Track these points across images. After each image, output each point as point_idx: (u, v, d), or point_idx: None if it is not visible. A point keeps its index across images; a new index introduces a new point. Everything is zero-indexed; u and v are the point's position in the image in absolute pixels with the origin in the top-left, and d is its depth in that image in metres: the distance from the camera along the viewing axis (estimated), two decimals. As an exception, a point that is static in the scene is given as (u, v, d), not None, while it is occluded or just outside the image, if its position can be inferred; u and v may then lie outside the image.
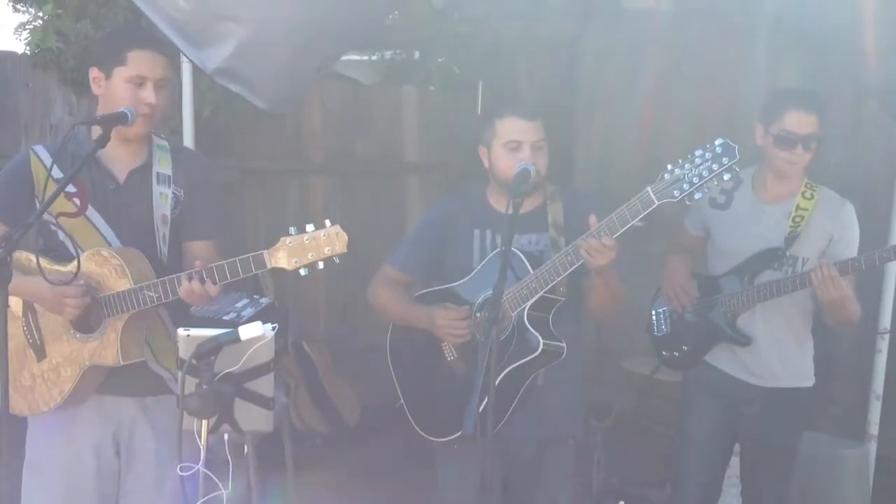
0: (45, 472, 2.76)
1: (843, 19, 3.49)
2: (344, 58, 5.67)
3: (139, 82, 2.64)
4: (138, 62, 2.65)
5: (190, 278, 2.52)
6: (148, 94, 2.64)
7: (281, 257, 2.48)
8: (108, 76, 2.67)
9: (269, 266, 2.50)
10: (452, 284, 2.99)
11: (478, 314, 2.86)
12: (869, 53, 3.48)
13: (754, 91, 4.81)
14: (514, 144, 2.88)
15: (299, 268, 2.48)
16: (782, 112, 3.13)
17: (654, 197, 2.54)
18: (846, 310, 3.07)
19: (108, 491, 2.81)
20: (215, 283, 2.53)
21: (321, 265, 2.48)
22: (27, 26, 4.85)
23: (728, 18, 4.88)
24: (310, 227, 2.47)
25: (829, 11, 3.57)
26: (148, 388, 2.75)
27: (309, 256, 2.46)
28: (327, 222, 2.47)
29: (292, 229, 2.48)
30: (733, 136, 2.52)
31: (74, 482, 2.76)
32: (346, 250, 2.46)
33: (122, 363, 2.63)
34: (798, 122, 3.10)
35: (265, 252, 2.50)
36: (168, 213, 2.77)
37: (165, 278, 2.57)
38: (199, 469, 2.35)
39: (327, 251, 2.45)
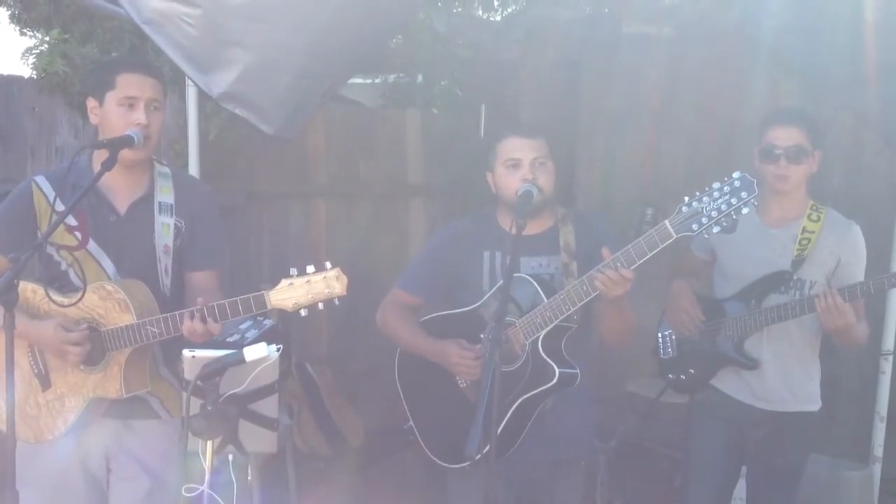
0: (34, 487, 2.75)
1: (838, 45, 3.53)
2: (348, 81, 5.71)
3: (130, 104, 2.67)
4: (127, 84, 2.68)
5: (192, 317, 2.54)
6: (139, 115, 2.67)
7: (281, 298, 2.52)
8: (101, 103, 2.71)
9: (269, 307, 2.55)
10: (463, 309, 2.99)
11: (482, 335, 2.86)
12: (867, 79, 3.51)
13: (752, 115, 4.85)
14: (513, 162, 2.91)
15: (299, 309, 2.51)
16: (766, 129, 3.20)
17: (672, 230, 2.56)
18: (850, 335, 3.08)
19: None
20: (217, 322, 2.56)
21: (321, 306, 2.52)
22: (34, 51, 4.89)
23: (726, 43, 4.91)
24: (310, 269, 2.51)
25: (825, 37, 3.62)
26: (134, 411, 2.77)
27: (309, 298, 2.51)
28: (328, 264, 2.51)
29: (293, 270, 2.52)
30: (731, 160, 2.54)
31: (63, 494, 2.76)
32: (345, 293, 2.51)
33: (124, 396, 2.65)
34: (779, 135, 3.16)
35: (265, 293, 2.54)
36: (170, 243, 2.78)
37: (168, 315, 2.59)
38: (203, 490, 2.35)
39: (327, 293, 2.50)
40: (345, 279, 2.50)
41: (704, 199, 2.54)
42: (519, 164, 2.90)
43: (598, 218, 3.16)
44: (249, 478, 2.76)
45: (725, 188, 2.52)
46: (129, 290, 2.63)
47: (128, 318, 2.60)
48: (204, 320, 2.54)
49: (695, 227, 2.54)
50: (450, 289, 3.09)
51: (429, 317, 3.12)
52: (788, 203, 3.25)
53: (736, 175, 2.53)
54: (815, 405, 3.33)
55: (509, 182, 2.90)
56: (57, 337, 2.58)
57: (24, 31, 7.11)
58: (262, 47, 3.32)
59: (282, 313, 2.59)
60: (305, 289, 2.49)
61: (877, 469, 4.21)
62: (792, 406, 3.28)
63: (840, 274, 3.17)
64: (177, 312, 2.58)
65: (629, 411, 5.16)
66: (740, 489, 3.53)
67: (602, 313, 2.85)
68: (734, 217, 2.52)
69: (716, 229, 2.53)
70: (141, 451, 2.79)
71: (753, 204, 2.52)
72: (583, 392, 2.91)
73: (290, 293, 2.50)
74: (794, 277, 3.20)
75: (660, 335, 3.55)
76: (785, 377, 3.27)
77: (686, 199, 2.56)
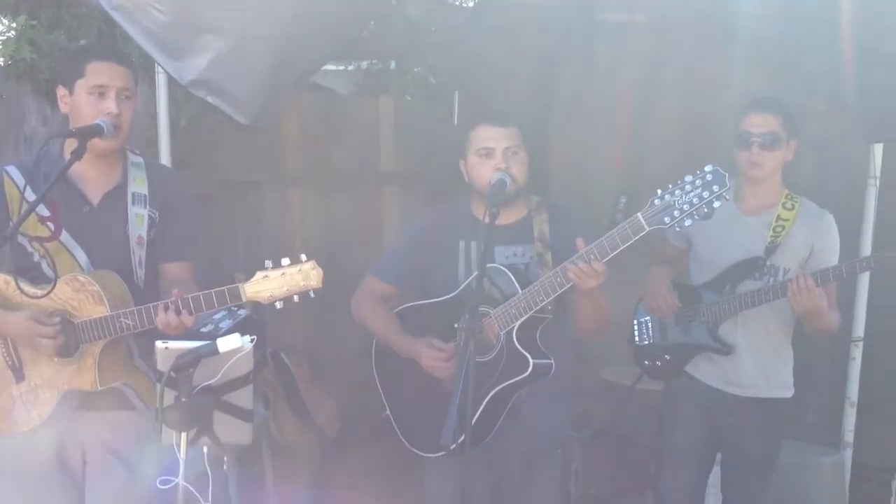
0: (9, 479, 2.73)
1: (810, 34, 3.55)
2: (321, 68, 5.66)
3: (100, 92, 2.64)
4: (97, 72, 2.65)
5: (166, 309, 2.53)
6: (110, 103, 2.64)
7: (256, 291, 2.52)
8: (71, 91, 2.68)
9: (244, 299, 2.54)
10: (437, 300, 2.99)
11: (456, 325, 2.86)
12: (842, 68, 3.54)
13: (723, 104, 4.87)
14: (485, 151, 2.90)
15: (274, 301, 2.50)
16: (742, 116, 3.24)
17: (644, 223, 2.58)
18: (822, 320, 3.11)
19: (73, 497, 2.79)
20: (191, 314, 2.54)
21: (296, 298, 2.52)
22: (0, 37, 4.81)
23: (699, 31, 4.92)
24: (285, 261, 2.51)
25: (797, 26, 3.63)
26: (110, 403, 2.74)
27: (284, 290, 2.51)
28: (303, 257, 2.51)
29: (268, 263, 2.51)
30: (709, 148, 2.56)
31: (38, 486, 2.74)
32: (321, 285, 2.51)
33: (99, 388, 2.63)
34: (754, 122, 3.20)
35: (240, 285, 2.53)
36: (144, 234, 2.76)
37: (142, 307, 2.58)
38: (178, 482, 2.33)
39: (302, 285, 2.50)
40: (320, 271, 2.49)
41: (677, 192, 2.56)
42: (492, 153, 2.89)
43: (572, 207, 3.17)
44: (225, 468, 2.75)
45: (697, 181, 2.55)
46: (102, 282, 2.61)
47: (101, 310, 2.58)
48: (178, 312, 2.52)
49: (667, 220, 2.56)
50: (424, 278, 3.08)
51: (404, 306, 3.11)
52: (763, 191, 3.28)
53: (708, 168, 2.55)
54: (788, 391, 3.37)
55: (482, 171, 2.90)
56: (29, 329, 2.56)
57: (-10, 17, 6.99)
58: (233, 34, 3.29)
59: (257, 303, 2.58)
60: (280, 281, 2.49)
61: (848, 454, 4.27)
62: (765, 392, 3.31)
63: (813, 262, 3.21)
64: (151, 305, 2.56)
65: (604, 399, 5.19)
66: (714, 476, 3.56)
67: (576, 304, 2.86)
68: (706, 210, 2.54)
69: (688, 222, 2.56)
70: (117, 442, 2.77)
71: (725, 198, 2.55)
72: (559, 382, 2.92)
73: (266, 285, 2.50)
74: (768, 264, 3.24)
75: (635, 322, 3.58)
76: (759, 363, 3.30)
77: (658, 192, 2.59)
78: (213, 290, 2.56)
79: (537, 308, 2.75)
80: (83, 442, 2.77)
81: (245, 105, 3.48)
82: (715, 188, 2.52)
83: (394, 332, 3.04)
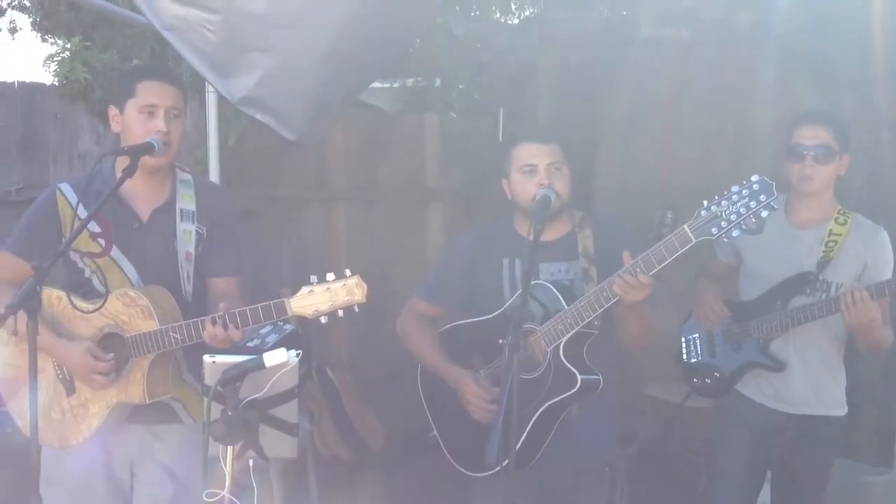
0: (57, 488, 2.77)
1: (853, 46, 3.51)
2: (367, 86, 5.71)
3: (150, 111, 2.69)
4: (147, 91, 2.70)
5: (213, 323, 2.56)
6: (159, 122, 2.68)
7: (301, 305, 2.54)
8: (122, 111, 2.73)
9: (289, 314, 2.56)
10: (483, 318, 2.98)
11: (501, 341, 2.85)
12: (879, 80, 3.50)
13: (765, 118, 4.82)
14: (529, 168, 2.90)
15: (319, 316, 2.53)
16: (794, 129, 3.20)
17: (691, 234, 2.55)
18: (875, 334, 3.05)
19: None
20: (238, 329, 2.57)
21: (341, 313, 2.54)
22: (55, 58, 4.94)
23: (741, 45, 4.90)
24: (330, 276, 2.53)
25: (840, 38, 3.59)
26: (158, 416, 2.78)
27: (329, 305, 2.52)
28: (347, 272, 2.53)
29: (313, 278, 2.53)
30: (758, 162, 2.53)
31: (86, 497, 2.78)
32: (365, 300, 2.52)
33: (147, 402, 2.66)
34: (805, 134, 3.15)
35: (286, 300, 2.55)
36: (192, 250, 2.80)
37: (190, 321, 2.61)
38: (224, 495, 2.35)
39: (347, 300, 2.52)
40: (364, 286, 2.51)
41: (723, 202, 2.52)
42: (535, 170, 2.89)
43: (616, 221, 3.16)
44: (271, 482, 2.77)
45: (744, 191, 2.51)
46: (152, 297, 2.65)
47: (151, 325, 2.62)
48: (225, 327, 2.55)
49: (714, 230, 2.53)
50: (469, 296, 3.08)
51: (449, 326, 3.11)
52: (816, 205, 3.24)
53: (755, 178, 2.52)
54: (840, 410, 3.30)
55: (526, 188, 2.90)
56: (84, 363, 2.62)
57: (46, 38, 7.19)
58: (281, 52, 3.33)
59: (302, 318, 2.60)
60: (325, 296, 2.51)
61: (900, 474, 4.17)
62: (817, 409, 3.25)
63: (867, 278, 3.15)
64: (199, 319, 2.60)
65: (649, 416, 5.14)
66: (765, 494, 3.50)
67: (622, 318, 2.83)
68: (754, 220, 2.50)
69: (735, 233, 2.52)
70: (165, 456, 2.80)
71: (773, 207, 2.50)
72: (606, 398, 2.89)
73: (310, 300, 2.52)
74: (820, 279, 3.18)
75: (683, 339, 3.53)
76: (810, 380, 3.25)
77: (705, 202, 2.55)
78: (259, 305, 2.59)
79: (584, 323, 2.73)
80: (131, 455, 2.81)
81: (292, 121, 3.52)
82: (762, 198, 2.48)
83: (439, 360, 3.03)
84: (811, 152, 3.13)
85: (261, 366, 2.30)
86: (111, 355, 2.63)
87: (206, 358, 2.36)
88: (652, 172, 5.58)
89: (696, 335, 3.49)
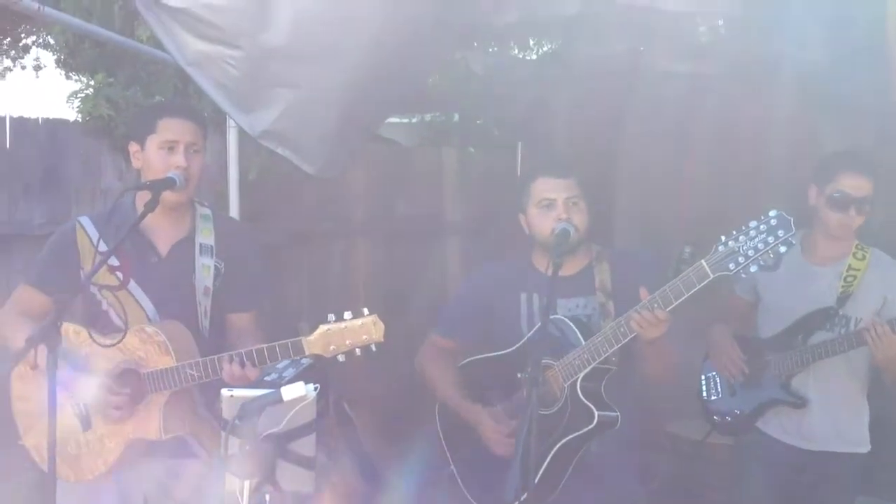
0: None
1: (875, 79, 3.50)
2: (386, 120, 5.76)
3: (170, 147, 2.73)
4: (167, 128, 2.74)
5: (231, 361, 2.57)
6: (178, 157, 2.72)
7: (318, 344, 2.55)
8: (142, 147, 2.77)
9: (306, 353, 2.57)
10: (502, 352, 2.98)
11: (520, 375, 2.84)
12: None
13: (785, 151, 4.81)
14: (546, 202, 2.91)
15: (336, 354, 2.53)
16: (837, 174, 3.12)
17: (709, 270, 2.53)
18: None
19: None
20: (255, 366, 2.57)
21: (358, 352, 2.54)
22: (79, 94, 5.01)
23: (758, 78, 4.90)
24: (348, 315, 2.53)
25: (862, 72, 3.58)
26: (173, 451, 2.77)
27: (346, 343, 2.54)
28: (365, 310, 2.54)
29: (331, 316, 2.54)
30: (760, 193, 2.51)
31: None
32: (382, 339, 2.52)
33: (164, 437, 2.67)
34: (852, 184, 3.10)
35: (303, 339, 2.57)
36: (210, 284, 2.81)
37: (207, 359, 2.62)
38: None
39: (364, 339, 2.53)
40: (382, 326, 2.51)
41: (741, 237, 2.51)
42: (553, 205, 2.90)
43: (633, 253, 3.15)
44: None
45: (762, 226, 2.49)
46: (169, 333, 2.66)
47: (168, 361, 2.63)
48: (242, 365, 2.56)
49: (732, 266, 2.51)
50: (487, 331, 3.08)
51: (468, 360, 3.11)
52: (836, 243, 3.21)
53: (772, 213, 2.50)
54: (864, 447, 3.26)
55: (544, 222, 2.90)
56: (100, 397, 2.64)
57: (70, 75, 7.30)
58: (301, 87, 3.37)
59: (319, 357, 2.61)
60: (343, 335, 2.51)
61: (925, 512, 4.10)
62: (839, 447, 3.22)
63: (886, 313, 3.12)
64: (216, 357, 2.60)
65: (670, 452, 5.08)
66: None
67: (642, 353, 2.82)
68: (772, 256, 2.48)
69: (753, 268, 2.50)
70: (179, 490, 2.80)
71: (791, 242, 2.49)
72: (626, 434, 2.87)
73: (328, 339, 2.52)
74: (840, 314, 3.16)
75: (703, 377, 3.51)
76: (832, 416, 3.22)
77: (722, 237, 2.54)
78: (276, 344, 2.60)
79: (601, 359, 2.72)
80: (145, 489, 2.81)
81: (312, 155, 3.56)
82: (780, 233, 2.47)
83: (457, 398, 3.04)
84: (855, 204, 3.10)
85: (278, 399, 2.29)
86: (127, 390, 2.63)
87: (224, 392, 2.36)
88: (670, 206, 5.57)
89: (716, 372, 3.47)
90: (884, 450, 3.73)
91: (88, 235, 2.78)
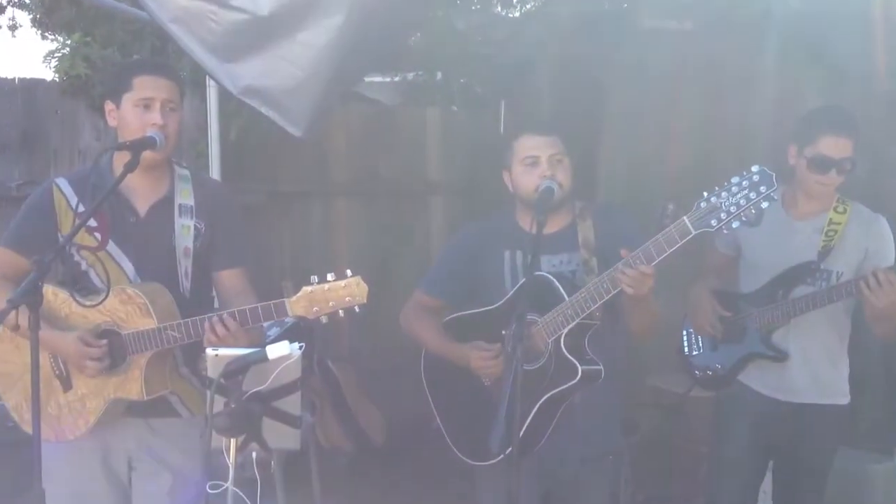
0: (55, 483, 2.76)
1: (857, 38, 3.49)
2: (367, 79, 5.72)
3: (146, 104, 2.68)
4: (143, 85, 2.69)
5: (214, 322, 2.56)
6: (155, 115, 2.67)
7: (301, 305, 2.53)
8: (118, 105, 2.72)
9: (290, 314, 2.55)
10: (484, 309, 2.99)
11: (504, 332, 2.85)
12: (884, 72, 3.48)
13: (771, 108, 4.81)
14: (530, 160, 2.90)
15: (320, 316, 2.53)
16: (817, 135, 3.09)
17: (691, 226, 2.52)
18: None
19: (121, 502, 2.83)
20: (236, 321, 2.56)
21: (342, 313, 2.53)
22: (56, 54, 4.94)
23: (748, 35, 4.88)
24: (330, 277, 2.52)
25: (849, 28, 3.57)
26: (155, 410, 2.76)
27: (329, 305, 2.52)
28: (348, 272, 2.52)
29: (314, 278, 2.52)
30: (746, 150, 2.51)
31: (85, 491, 2.79)
32: (366, 300, 2.51)
33: (145, 398, 2.65)
34: (833, 146, 3.07)
35: (286, 301, 2.54)
36: (190, 245, 2.78)
37: (189, 320, 2.60)
38: (228, 487, 2.36)
39: (347, 300, 2.51)
40: (365, 287, 2.50)
41: (723, 194, 2.50)
42: (537, 162, 2.89)
43: (616, 210, 3.15)
44: (273, 473, 2.78)
45: (744, 182, 2.48)
46: (150, 295, 2.64)
47: (149, 322, 2.61)
48: (226, 327, 2.55)
49: (713, 222, 2.50)
50: (471, 290, 3.08)
51: (452, 317, 3.12)
52: (818, 199, 3.22)
53: (755, 169, 2.49)
54: (843, 398, 3.30)
55: (528, 180, 2.90)
56: (77, 350, 2.60)
57: (46, 34, 7.18)
58: (284, 44, 3.33)
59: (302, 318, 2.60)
60: (326, 296, 2.50)
61: (902, 462, 4.18)
62: (819, 398, 3.25)
63: (868, 264, 3.13)
64: (198, 318, 2.59)
65: (652, 406, 5.15)
66: (766, 483, 3.51)
67: (627, 308, 2.83)
68: (754, 211, 2.49)
69: (735, 224, 2.50)
70: (162, 449, 2.80)
71: (773, 198, 2.48)
72: (609, 388, 2.89)
73: (311, 300, 2.51)
74: (821, 268, 3.18)
75: (685, 332, 3.53)
76: (811, 369, 3.24)
77: (705, 194, 2.53)
78: (259, 305, 2.58)
79: (585, 315, 2.74)
80: (128, 448, 2.81)
81: (297, 116, 3.52)
82: (762, 189, 2.46)
83: (443, 341, 3.05)
84: (836, 166, 3.09)
85: (264, 358, 2.30)
86: (104, 341, 2.61)
87: (209, 351, 2.36)
88: (655, 162, 5.57)
89: (696, 328, 3.49)
90: (862, 402, 3.79)
91: (65, 196, 2.74)
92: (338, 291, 2.50)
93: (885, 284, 2.90)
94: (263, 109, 3.49)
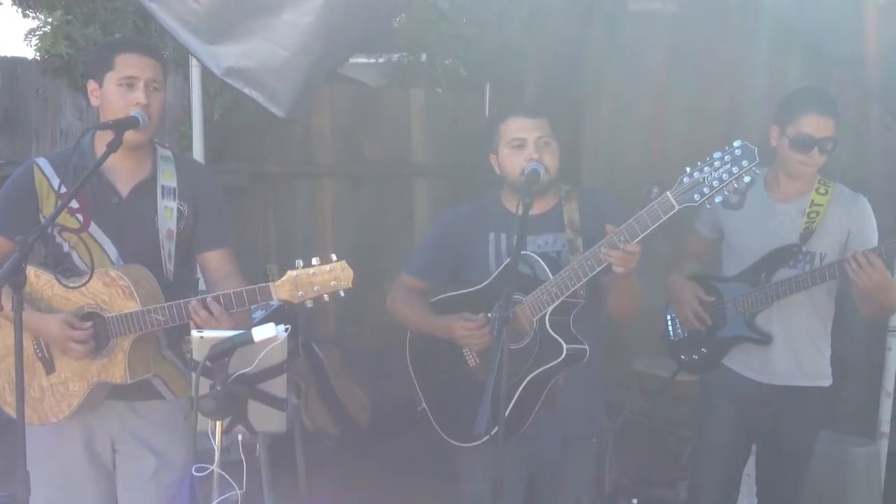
0: (39, 466, 2.75)
1: (841, 23, 3.50)
2: (351, 61, 5.69)
3: (129, 83, 2.64)
4: (126, 64, 2.65)
5: (198, 305, 2.54)
6: (139, 94, 2.63)
7: (286, 289, 2.52)
8: (101, 84, 2.68)
9: (274, 298, 2.53)
10: (469, 289, 2.99)
11: (489, 314, 2.86)
12: (868, 57, 3.48)
13: (756, 91, 4.82)
14: (517, 142, 2.89)
15: (305, 300, 2.52)
16: (799, 115, 3.10)
17: (674, 201, 2.53)
18: (889, 297, 3.03)
19: (105, 485, 2.82)
20: (219, 305, 2.55)
21: (326, 298, 2.52)
22: (37, 32, 4.88)
23: (730, 19, 4.89)
24: (315, 261, 2.50)
25: (829, 13, 3.57)
26: (138, 393, 2.74)
27: (315, 290, 2.51)
28: (333, 256, 2.51)
29: (299, 262, 2.51)
30: (735, 135, 2.52)
31: (70, 475, 2.77)
32: (351, 285, 2.50)
33: (129, 381, 2.63)
34: (815, 125, 3.08)
35: (271, 285, 2.53)
36: (174, 227, 2.76)
37: (173, 303, 2.58)
38: (213, 469, 2.36)
39: (333, 285, 2.50)
40: (350, 272, 2.49)
41: (706, 168, 2.51)
42: (524, 144, 2.88)
43: (601, 191, 3.15)
44: (258, 455, 2.77)
45: (726, 157, 2.49)
46: (133, 277, 2.61)
47: (132, 305, 2.59)
48: (209, 310, 2.54)
49: (696, 196, 2.51)
50: (456, 271, 3.08)
51: (437, 298, 3.11)
52: (799, 180, 3.23)
53: (737, 143, 2.50)
54: (825, 381, 3.32)
55: (514, 162, 2.89)
56: (61, 333, 2.57)
57: (27, 12, 7.07)
58: (268, 25, 3.31)
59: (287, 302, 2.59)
60: (311, 281, 2.49)
61: (884, 445, 4.20)
62: (801, 381, 3.27)
63: (851, 245, 3.14)
64: (182, 301, 2.57)
65: (636, 390, 5.18)
66: (750, 466, 3.54)
67: (610, 287, 2.84)
68: (736, 185, 2.49)
69: (718, 199, 2.51)
70: (146, 431, 2.79)
71: (755, 172, 2.49)
72: (593, 369, 2.90)
73: (296, 285, 2.50)
74: (804, 250, 3.19)
75: (668, 317, 3.54)
76: (794, 352, 3.26)
77: (687, 169, 2.53)
78: (244, 289, 2.57)
79: (569, 293, 2.74)
80: (112, 431, 2.80)
81: (281, 97, 3.50)
82: (744, 163, 2.47)
83: (429, 317, 3.05)
84: (818, 145, 3.10)
85: (250, 341, 2.29)
86: (89, 324, 2.59)
87: (195, 333, 2.35)
88: (641, 146, 5.58)
89: (680, 314, 3.50)
90: (844, 386, 3.82)
91: (46, 177, 2.71)
92: (323, 276, 2.49)
93: (866, 266, 2.92)
94: (247, 90, 3.47)
